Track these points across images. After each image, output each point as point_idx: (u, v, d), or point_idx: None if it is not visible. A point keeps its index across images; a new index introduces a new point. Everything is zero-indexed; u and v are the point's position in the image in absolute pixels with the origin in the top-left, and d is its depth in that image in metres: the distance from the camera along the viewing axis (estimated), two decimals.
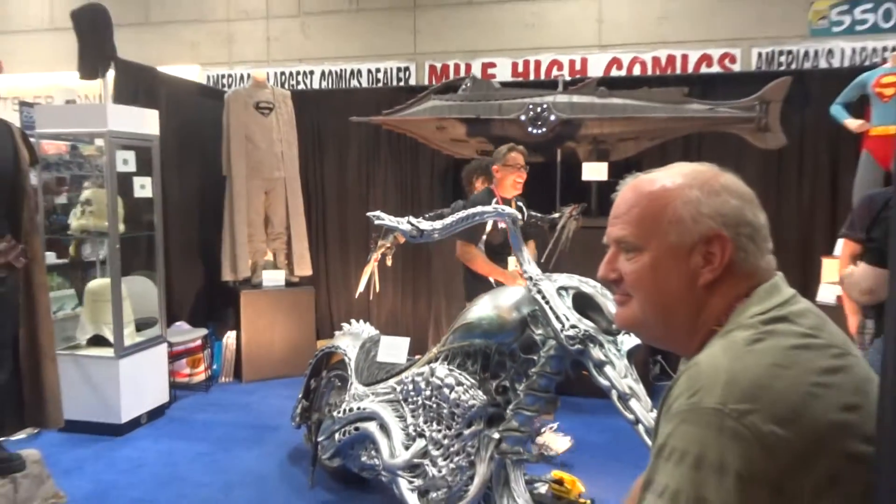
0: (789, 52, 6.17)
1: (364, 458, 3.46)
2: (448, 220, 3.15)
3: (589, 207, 4.88)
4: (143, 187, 5.02)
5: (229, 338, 6.01)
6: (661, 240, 1.08)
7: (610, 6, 6.66)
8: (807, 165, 5.62)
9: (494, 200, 4.17)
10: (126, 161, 4.84)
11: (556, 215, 4.39)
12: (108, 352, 4.71)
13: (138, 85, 5.61)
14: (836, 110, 5.05)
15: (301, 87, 7.22)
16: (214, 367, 5.94)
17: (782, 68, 6.07)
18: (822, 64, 6.07)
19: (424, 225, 3.14)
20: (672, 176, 1.11)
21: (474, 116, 5.32)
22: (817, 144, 5.57)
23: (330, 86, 7.18)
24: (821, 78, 5.54)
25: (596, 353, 2.62)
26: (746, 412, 0.88)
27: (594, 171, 4.93)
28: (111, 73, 5.05)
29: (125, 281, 4.88)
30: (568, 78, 6.11)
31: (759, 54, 6.25)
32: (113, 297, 4.69)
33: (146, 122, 5.02)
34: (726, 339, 1.01)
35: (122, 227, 4.86)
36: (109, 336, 4.73)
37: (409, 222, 3.15)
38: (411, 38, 7.13)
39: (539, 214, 4.59)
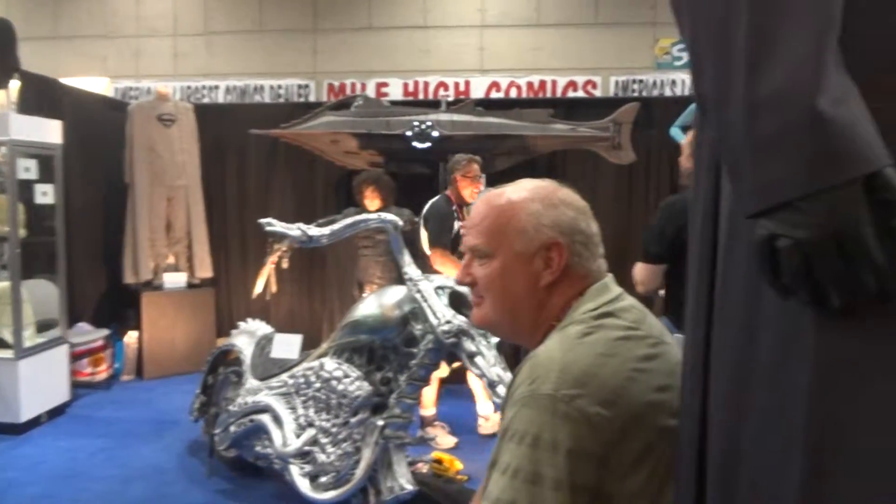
0: (641, 81, 6.47)
1: (258, 448, 3.38)
2: (336, 227, 3.15)
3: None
4: (45, 194, 4.74)
5: (131, 337, 5.74)
6: (508, 247, 1.12)
7: (491, 36, 6.79)
8: (652, 178, 5.90)
9: (453, 207, 4.15)
10: (28, 169, 4.56)
11: None
12: (8, 353, 4.39)
13: (42, 96, 5.27)
14: (675, 132, 5.31)
15: (206, 100, 6.97)
16: (116, 365, 5.63)
17: (635, 94, 6.36)
18: (667, 92, 6.41)
19: (313, 231, 3.13)
20: (518, 191, 1.16)
21: (365, 132, 5.30)
22: (661, 161, 5.84)
23: (234, 100, 6.98)
24: (664, 104, 5.83)
25: (468, 345, 2.68)
26: (576, 396, 0.93)
27: None
28: (15, 85, 4.74)
29: (27, 284, 4.57)
30: (450, 98, 6.18)
31: (616, 82, 6.53)
32: (13, 300, 4.38)
33: (49, 131, 4.73)
34: (562, 332, 1.06)
35: (23, 232, 4.55)
36: (9, 338, 4.41)
37: (299, 228, 3.12)
38: (311, 57, 7.03)
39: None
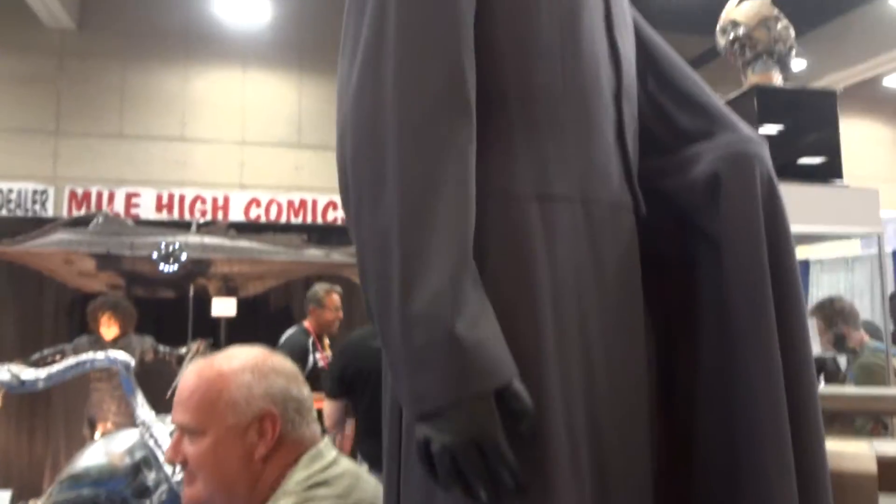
0: None
1: None
2: (55, 368, 2.90)
3: (217, 343, 4.79)
4: None
5: None
6: (220, 423, 1.11)
7: (251, 153, 6.84)
8: None
9: (311, 340, 3.90)
10: None
11: (184, 350, 4.26)
12: None
13: None
14: None
15: None
16: None
17: None
18: None
19: (27, 374, 2.85)
20: (229, 360, 1.16)
21: (105, 252, 5.00)
22: None
23: None
24: None
25: None
26: None
27: (223, 307, 4.90)
28: None
29: None
30: (201, 220, 6.08)
31: None
32: None
33: None
34: None
35: None
36: None
37: (8, 371, 2.84)
38: (51, 161, 6.52)
39: (168, 349, 4.41)
